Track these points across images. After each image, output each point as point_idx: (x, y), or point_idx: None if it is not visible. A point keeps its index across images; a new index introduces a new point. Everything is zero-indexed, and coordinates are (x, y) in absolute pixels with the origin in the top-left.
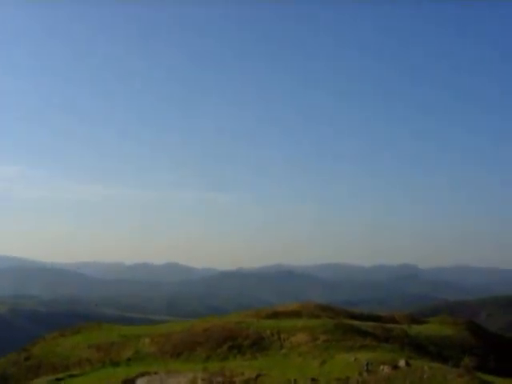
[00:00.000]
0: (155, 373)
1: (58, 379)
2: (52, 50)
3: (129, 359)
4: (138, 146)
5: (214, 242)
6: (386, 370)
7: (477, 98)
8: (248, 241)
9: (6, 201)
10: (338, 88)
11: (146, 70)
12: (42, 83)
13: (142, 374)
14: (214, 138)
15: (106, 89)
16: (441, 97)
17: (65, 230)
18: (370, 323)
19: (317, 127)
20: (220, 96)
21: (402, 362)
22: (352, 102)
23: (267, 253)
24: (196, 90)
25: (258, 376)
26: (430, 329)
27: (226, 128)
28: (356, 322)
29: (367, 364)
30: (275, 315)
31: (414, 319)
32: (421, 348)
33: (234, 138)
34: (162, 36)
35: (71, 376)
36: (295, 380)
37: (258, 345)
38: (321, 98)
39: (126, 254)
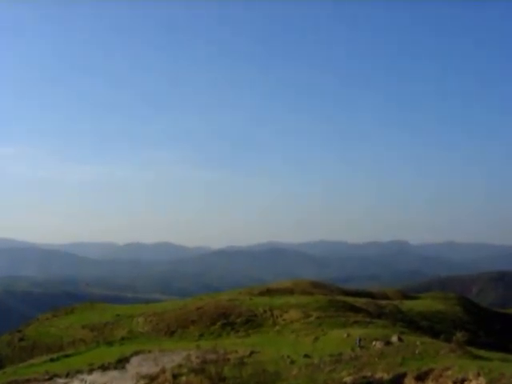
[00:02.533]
0: (149, 351)
1: (53, 359)
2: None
3: (123, 338)
4: (128, 125)
5: (207, 220)
6: (378, 345)
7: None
8: (240, 219)
9: None
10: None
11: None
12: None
13: (136, 353)
14: (205, 116)
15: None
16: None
17: (57, 210)
18: (363, 299)
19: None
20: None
21: (394, 338)
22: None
23: (258, 231)
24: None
25: (251, 353)
26: (422, 304)
27: (220, 105)
28: (348, 299)
29: (360, 340)
30: (268, 292)
31: (406, 295)
32: (413, 323)
33: (227, 115)
34: None
35: (66, 356)
36: (288, 356)
37: (251, 322)
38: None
39: (119, 234)
